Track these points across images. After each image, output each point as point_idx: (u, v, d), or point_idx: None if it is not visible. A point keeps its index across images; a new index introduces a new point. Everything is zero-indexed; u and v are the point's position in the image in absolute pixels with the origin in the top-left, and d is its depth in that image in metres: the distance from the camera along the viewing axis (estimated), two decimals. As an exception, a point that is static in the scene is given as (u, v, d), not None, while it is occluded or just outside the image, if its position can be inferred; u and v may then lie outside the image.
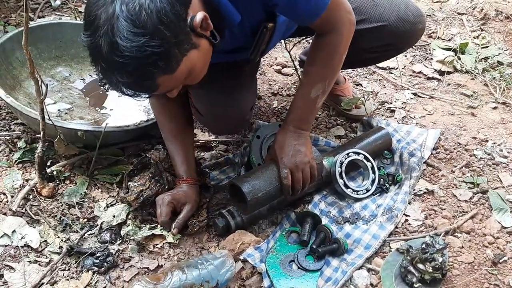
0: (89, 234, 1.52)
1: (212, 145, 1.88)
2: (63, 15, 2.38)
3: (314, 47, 1.53)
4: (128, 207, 1.57)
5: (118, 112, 1.92)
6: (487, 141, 1.97)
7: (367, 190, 1.70)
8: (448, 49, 2.51)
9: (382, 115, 2.09)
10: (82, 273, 1.41)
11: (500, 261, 1.51)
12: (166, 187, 1.59)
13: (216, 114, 1.66)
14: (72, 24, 2.03)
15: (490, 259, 1.51)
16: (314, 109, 1.56)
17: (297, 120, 1.55)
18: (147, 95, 1.23)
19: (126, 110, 1.93)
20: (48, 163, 1.68)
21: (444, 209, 1.67)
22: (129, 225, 1.55)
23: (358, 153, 1.72)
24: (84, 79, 2.05)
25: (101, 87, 2.01)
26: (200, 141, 1.87)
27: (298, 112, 1.55)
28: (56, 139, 1.59)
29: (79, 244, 1.49)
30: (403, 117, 2.09)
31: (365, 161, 1.72)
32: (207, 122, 1.76)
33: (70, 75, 2.03)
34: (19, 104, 1.60)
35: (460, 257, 1.51)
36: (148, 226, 1.55)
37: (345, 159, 1.69)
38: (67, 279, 1.39)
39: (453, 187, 1.76)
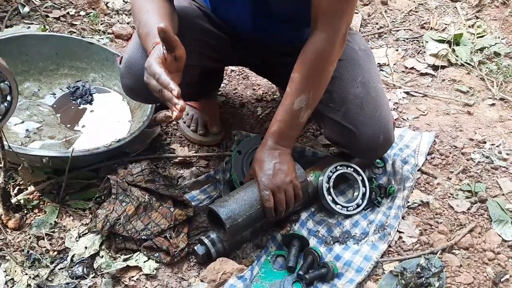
0: (59, 269, 1.41)
1: (192, 161, 1.75)
2: (33, 23, 2.24)
3: (304, 50, 1.40)
4: (101, 236, 1.47)
5: (90, 129, 1.80)
6: (485, 142, 1.86)
7: (358, 206, 1.59)
8: (442, 41, 2.38)
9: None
10: (52, 314, 1.31)
11: (502, 280, 1.40)
12: (134, 202, 1.47)
13: None
14: (37, 35, 1.89)
15: (490, 278, 1.41)
16: (297, 124, 1.45)
17: (277, 135, 1.44)
18: None
19: (99, 126, 1.81)
20: (15, 191, 1.57)
21: (441, 222, 1.56)
22: (102, 257, 1.44)
23: (347, 166, 1.60)
24: (55, 94, 1.92)
25: (72, 102, 1.92)
26: (179, 157, 1.75)
27: (279, 126, 1.44)
28: (20, 167, 1.48)
29: (49, 279, 1.38)
30: (395, 119, 1.97)
31: (354, 174, 1.60)
32: None
33: (39, 90, 1.91)
34: (-23, 131, 1.48)
35: (459, 277, 1.41)
36: (122, 256, 1.45)
37: (333, 173, 1.57)
38: (35, 323, 1.29)
39: (449, 197, 1.65)
